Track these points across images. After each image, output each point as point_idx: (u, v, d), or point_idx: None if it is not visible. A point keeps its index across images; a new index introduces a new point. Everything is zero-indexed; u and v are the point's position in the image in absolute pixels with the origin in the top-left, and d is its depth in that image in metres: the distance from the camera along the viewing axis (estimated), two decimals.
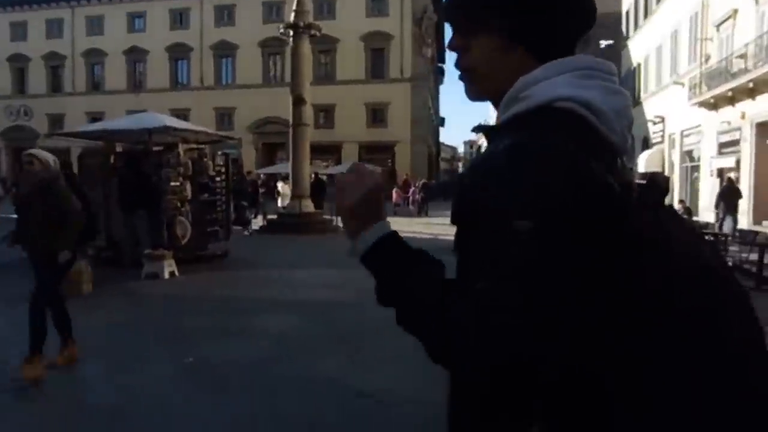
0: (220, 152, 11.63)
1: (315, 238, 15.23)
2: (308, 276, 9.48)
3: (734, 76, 18.43)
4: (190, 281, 8.89)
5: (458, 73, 1.03)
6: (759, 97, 17.73)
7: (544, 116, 0.86)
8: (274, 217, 17.89)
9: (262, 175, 27.64)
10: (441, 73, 62.35)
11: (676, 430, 0.79)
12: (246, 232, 14.66)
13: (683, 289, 0.82)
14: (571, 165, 0.80)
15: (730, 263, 9.65)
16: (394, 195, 29.40)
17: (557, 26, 0.95)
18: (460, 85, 1.07)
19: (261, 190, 21.15)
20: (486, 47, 0.97)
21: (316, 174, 22.74)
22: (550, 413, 0.87)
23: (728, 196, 16.34)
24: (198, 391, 4.50)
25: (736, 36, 19.55)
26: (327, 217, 18.21)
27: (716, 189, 19.51)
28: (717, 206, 16.74)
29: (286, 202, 18.27)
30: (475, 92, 1.02)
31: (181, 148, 10.33)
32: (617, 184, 0.83)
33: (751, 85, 17.64)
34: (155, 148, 10.44)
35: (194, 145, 11.25)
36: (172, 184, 9.97)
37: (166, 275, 8.95)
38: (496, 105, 0.98)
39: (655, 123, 26.47)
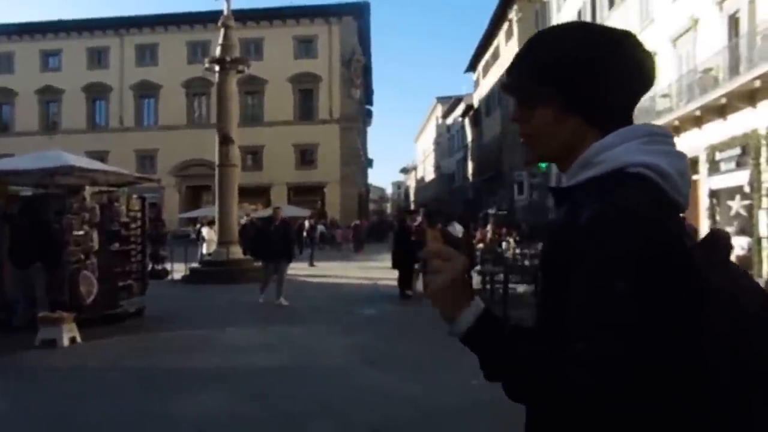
0: (135, 196, 10.28)
1: (246, 287, 13.97)
2: (238, 335, 8.28)
3: (659, 114, 18.89)
4: (95, 349, 7.48)
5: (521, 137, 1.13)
6: (683, 135, 18.24)
7: (618, 180, 0.96)
8: (197, 265, 16.49)
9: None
10: (369, 114, 62.55)
11: None
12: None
13: (760, 342, 0.91)
14: (657, 228, 0.91)
15: None
16: (338, 235, 31.70)
17: (611, 96, 1.03)
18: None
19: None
20: (544, 117, 1.07)
21: (249, 218, 21.57)
22: None
23: None
24: None
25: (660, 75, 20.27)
26: (258, 264, 16.95)
27: None
28: None
29: (212, 248, 16.93)
30: (534, 156, 1.12)
31: (88, 191, 8.99)
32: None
33: (676, 122, 18.14)
34: (56, 192, 9.06)
35: (104, 188, 9.91)
36: (75, 233, 8.58)
37: (66, 342, 7.50)
38: (560, 166, 1.09)
39: None
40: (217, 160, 16.66)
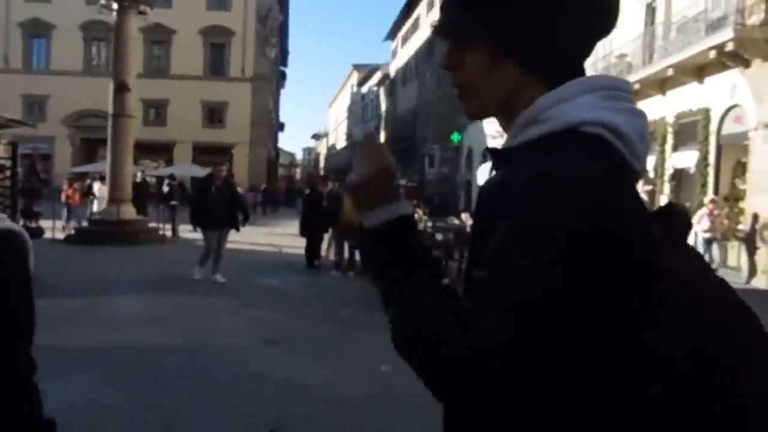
0: (4, 142, 8.89)
1: (136, 250, 12.86)
2: (121, 307, 7.34)
3: None
4: None
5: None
6: None
7: (570, 141, 0.82)
8: (85, 224, 15.04)
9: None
10: (283, 76, 60.56)
11: None
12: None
13: (710, 338, 0.80)
14: (598, 202, 0.77)
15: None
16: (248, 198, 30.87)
17: (559, 35, 0.87)
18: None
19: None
20: (477, 62, 0.91)
21: (143, 175, 20.02)
22: None
23: None
24: None
25: None
26: (152, 225, 15.73)
27: None
28: None
29: (102, 206, 15.51)
30: (469, 110, 0.97)
31: None
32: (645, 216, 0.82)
33: None
34: None
35: None
36: None
37: None
38: (501, 124, 0.95)
39: (494, 138, 27.05)
40: (111, 110, 15.16)
